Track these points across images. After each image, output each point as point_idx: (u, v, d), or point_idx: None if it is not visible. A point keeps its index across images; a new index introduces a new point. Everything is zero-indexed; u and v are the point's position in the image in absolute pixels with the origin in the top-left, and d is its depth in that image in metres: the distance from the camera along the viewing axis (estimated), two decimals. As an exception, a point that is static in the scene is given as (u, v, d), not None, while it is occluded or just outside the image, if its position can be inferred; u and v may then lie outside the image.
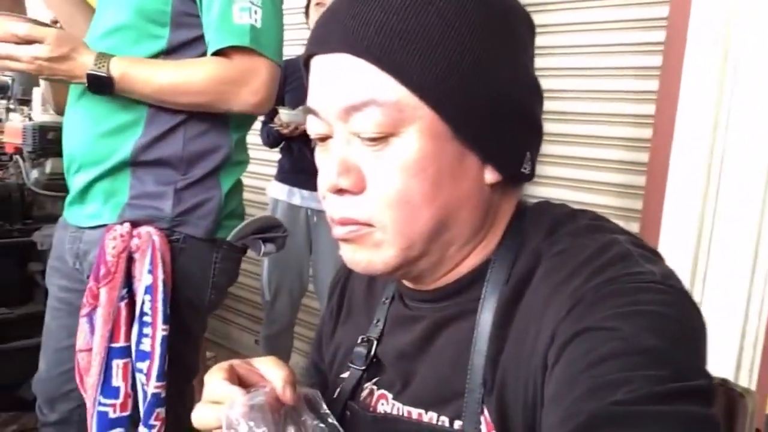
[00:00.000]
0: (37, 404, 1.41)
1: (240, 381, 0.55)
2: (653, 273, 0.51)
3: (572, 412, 0.45)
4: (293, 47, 2.52)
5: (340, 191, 0.56)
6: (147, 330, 1.18)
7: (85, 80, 1.17)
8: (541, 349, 0.52)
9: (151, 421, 1.17)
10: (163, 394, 1.18)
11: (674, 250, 1.72)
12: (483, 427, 0.55)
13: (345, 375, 0.71)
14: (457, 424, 0.57)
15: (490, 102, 0.54)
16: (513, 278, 0.57)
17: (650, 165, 1.89)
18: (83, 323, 1.21)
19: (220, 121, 1.30)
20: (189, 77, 1.20)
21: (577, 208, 0.63)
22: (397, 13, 0.53)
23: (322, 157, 0.59)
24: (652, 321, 0.47)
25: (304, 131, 2.00)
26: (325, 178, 0.57)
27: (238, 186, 1.38)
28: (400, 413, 0.62)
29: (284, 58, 2.18)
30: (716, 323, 1.65)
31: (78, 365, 1.24)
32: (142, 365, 1.18)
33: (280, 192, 2.46)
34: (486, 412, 0.55)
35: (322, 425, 0.54)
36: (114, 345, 1.18)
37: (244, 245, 1.41)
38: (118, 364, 1.19)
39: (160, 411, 1.18)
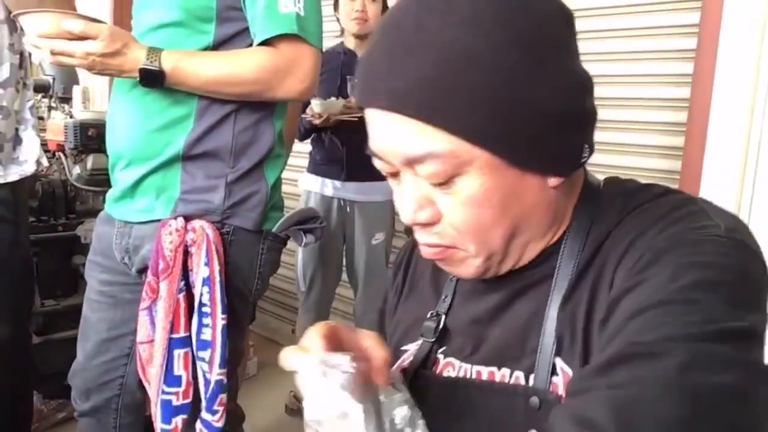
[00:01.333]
0: (72, 395, 1.45)
1: (341, 344, 0.59)
2: (718, 226, 0.55)
3: (606, 349, 0.51)
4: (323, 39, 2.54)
5: (419, 225, 0.62)
6: (207, 320, 1.22)
7: (135, 75, 1.20)
8: (600, 292, 0.57)
9: (215, 407, 1.22)
10: (225, 381, 1.22)
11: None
12: (559, 379, 0.59)
13: (407, 347, 0.75)
14: (531, 379, 0.61)
15: (538, 125, 0.57)
16: (588, 244, 0.62)
17: (689, 126, 1.89)
18: (143, 316, 1.25)
19: (265, 112, 1.33)
20: (238, 68, 1.23)
21: (646, 183, 0.67)
22: (435, 66, 0.55)
23: (395, 188, 0.64)
24: (705, 271, 0.52)
25: (336, 122, 2.03)
26: (403, 214, 0.62)
27: (279, 178, 1.41)
28: (469, 375, 0.66)
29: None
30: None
31: (140, 357, 1.28)
32: (204, 354, 1.22)
33: (312, 183, 2.48)
34: (563, 365, 0.59)
35: (405, 407, 0.57)
36: (174, 336, 1.23)
37: (286, 236, 1.44)
38: (179, 353, 1.23)
39: (223, 397, 1.23)
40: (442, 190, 0.59)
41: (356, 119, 2.26)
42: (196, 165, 1.30)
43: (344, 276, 2.64)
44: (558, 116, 0.58)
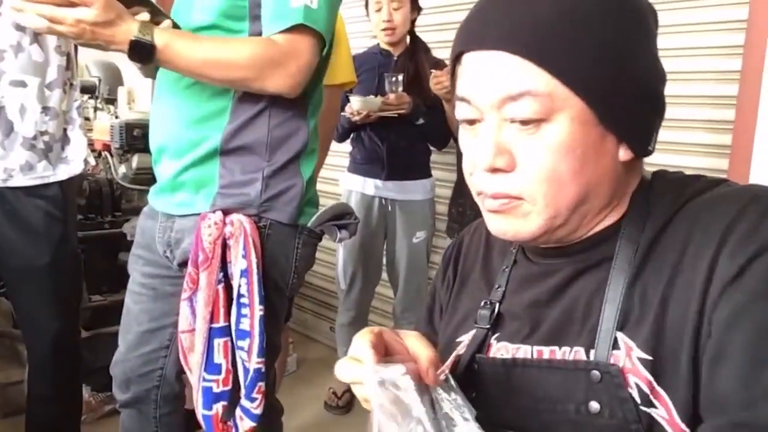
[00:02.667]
0: (113, 386, 1.48)
1: (386, 349, 0.60)
2: None
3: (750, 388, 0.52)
4: (358, 39, 2.56)
5: (494, 170, 0.63)
6: (245, 311, 1.24)
7: (125, 47, 1.16)
8: (712, 284, 0.56)
9: (254, 394, 1.24)
10: (263, 369, 1.24)
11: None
12: (622, 351, 0.60)
13: (461, 339, 0.77)
14: (591, 353, 0.62)
15: (629, 90, 0.61)
16: (650, 229, 0.63)
17: (734, 147, 1.85)
18: (184, 306, 1.28)
19: (300, 106, 1.33)
20: (231, 53, 1.21)
21: (693, 174, 0.68)
22: (547, 13, 0.59)
23: (467, 137, 0.66)
24: None
25: (376, 118, 2.03)
26: (480, 158, 0.63)
27: (314, 174, 1.42)
28: (529, 355, 0.68)
29: (353, 52, 2.24)
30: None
31: (182, 345, 1.31)
32: (243, 343, 1.25)
33: (353, 183, 2.49)
34: (626, 339, 0.60)
35: (459, 403, 0.57)
36: (214, 325, 1.25)
37: (321, 231, 1.46)
38: (219, 342, 1.26)
39: (261, 385, 1.25)
40: (528, 133, 0.61)
41: (396, 116, 2.27)
42: (233, 159, 1.32)
43: (384, 275, 2.65)
44: (646, 91, 0.62)
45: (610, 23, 0.59)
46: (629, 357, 0.59)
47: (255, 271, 1.24)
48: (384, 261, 2.60)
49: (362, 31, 2.75)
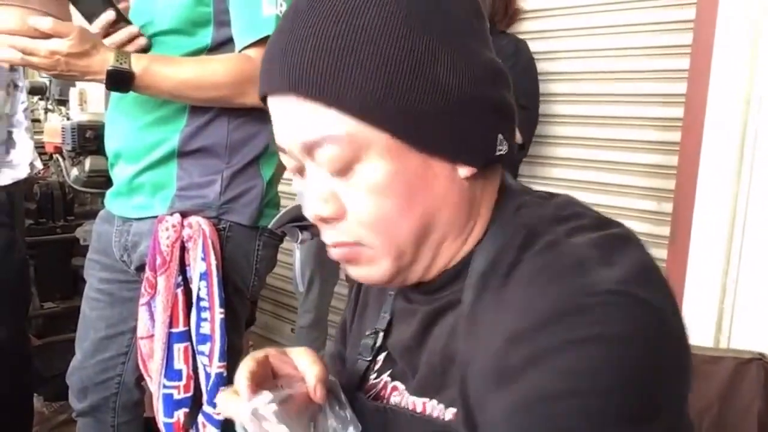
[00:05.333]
0: (69, 395, 1.45)
1: (273, 372, 0.57)
2: (609, 280, 0.48)
3: None
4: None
5: (324, 220, 0.58)
6: (205, 314, 1.22)
7: (101, 77, 1.15)
8: (482, 357, 0.51)
9: (216, 400, 1.22)
10: (225, 373, 1.23)
11: (708, 230, 1.73)
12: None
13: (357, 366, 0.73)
14: (449, 413, 0.57)
15: (437, 107, 0.53)
16: (486, 275, 0.56)
17: (682, 145, 1.90)
18: (142, 312, 1.26)
19: (260, 109, 1.33)
20: (208, 73, 1.21)
21: (564, 213, 0.58)
22: (326, 45, 0.52)
23: (301, 187, 0.60)
24: (595, 359, 0.45)
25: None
26: (306, 209, 0.58)
27: (275, 175, 1.41)
28: (407, 405, 0.62)
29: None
30: (752, 298, 1.66)
31: (141, 352, 1.29)
32: (204, 348, 1.23)
33: None
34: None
35: (342, 415, 0.56)
36: (174, 330, 1.24)
37: (282, 233, 1.45)
38: (179, 348, 1.24)
39: (223, 389, 1.23)
40: (344, 180, 0.55)
41: None
42: (191, 161, 1.30)
43: (342, 275, 2.64)
44: (462, 100, 0.54)
45: (397, 39, 0.52)
46: None
47: (215, 273, 1.23)
48: None
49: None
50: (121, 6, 1.27)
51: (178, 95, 1.23)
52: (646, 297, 0.47)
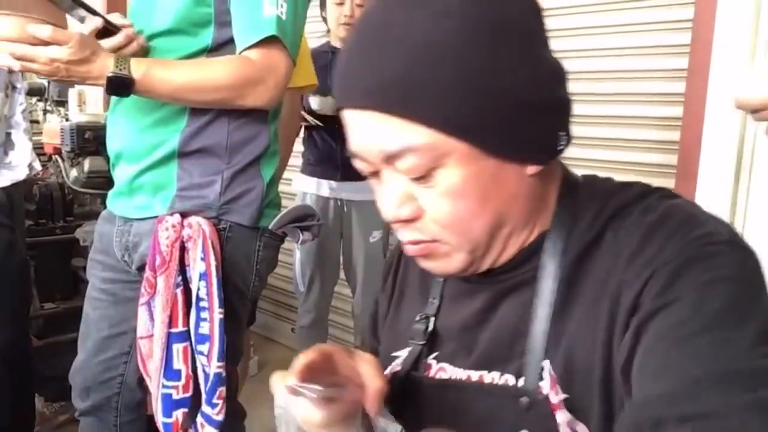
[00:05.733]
0: (72, 395, 1.46)
1: (335, 368, 0.59)
2: (720, 233, 0.55)
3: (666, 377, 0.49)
4: (312, 39, 2.55)
5: (401, 221, 0.62)
6: (204, 314, 1.23)
7: (101, 82, 1.17)
8: (617, 314, 0.56)
9: (214, 400, 1.23)
10: (224, 374, 1.23)
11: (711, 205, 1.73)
12: (546, 382, 0.59)
13: (399, 353, 0.75)
14: (521, 381, 0.61)
15: (510, 113, 0.57)
16: (573, 248, 0.61)
17: (681, 144, 1.91)
18: (142, 312, 1.26)
19: (260, 110, 1.33)
20: (208, 76, 1.22)
21: (624, 181, 0.66)
22: (404, 62, 0.55)
23: (377, 188, 0.65)
24: (731, 290, 0.51)
25: (327, 117, 1.99)
26: (385, 211, 0.62)
27: (275, 176, 1.42)
28: (461, 377, 0.67)
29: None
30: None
31: (140, 352, 1.29)
32: (203, 348, 1.23)
33: (308, 185, 2.48)
34: (549, 367, 0.60)
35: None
36: (173, 330, 1.24)
37: (283, 233, 1.45)
38: (178, 348, 1.24)
39: (222, 390, 1.24)
40: (423, 185, 0.59)
41: None
42: (191, 161, 1.31)
43: (341, 274, 2.65)
44: (529, 104, 0.58)
45: (470, 53, 0.55)
46: (554, 391, 0.59)
47: (214, 273, 1.23)
48: (341, 261, 2.60)
49: (313, 31, 2.75)
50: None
51: (178, 98, 1.24)
52: (750, 247, 0.56)
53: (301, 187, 2.51)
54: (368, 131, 0.59)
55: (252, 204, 1.33)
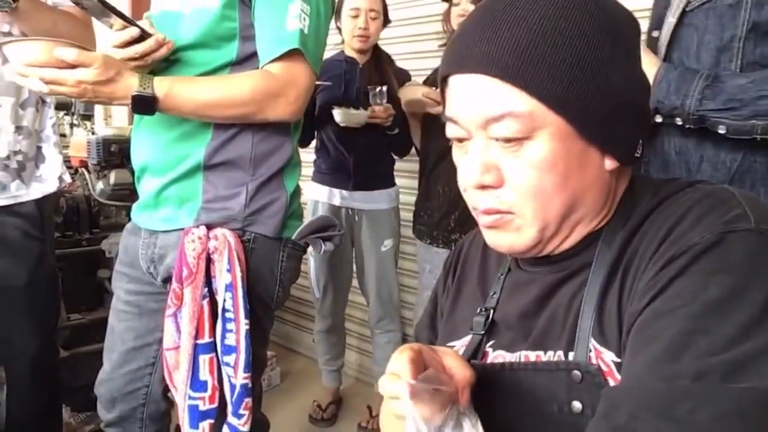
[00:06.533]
0: (98, 406, 1.47)
1: (424, 366, 0.61)
2: (748, 217, 0.58)
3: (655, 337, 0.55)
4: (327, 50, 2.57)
5: (483, 187, 0.66)
6: (230, 326, 1.23)
7: (127, 102, 1.19)
8: (637, 285, 0.60)
9: (241, 411, 1.24)
10: (250, 385, 1.24)
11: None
12: (593, 354, 0.63)
13: (455, 343, 0.80)
14: (571, 355, 0.65)
15: (607, 104, 0.63)
16: (623, 234, 0.66)
17: None
18: (169, 323, 1.27)
19: (283, 122, 1.34)
20: (231, 92, 1.23)
21: (676, 177, 0.72)
22: (525, 37, 0.61)
23: (459, 155, 0.70)
24: (732, 281, 0.54)
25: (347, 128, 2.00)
26: (469, 176, 0.66)
27: (298, 187, 1.43)
28: (519, 359, 0.70)
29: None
30: None
31: (166, 363, 1.30)
32: (229, 359, 1.24)
33: (319, 193, 2.49)
34: (596, 344, 0.63)
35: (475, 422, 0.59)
36: (199, 341, 1.25)
37: (306, 243, 1.46)
38: (204, 359, 1.25)
39: (248, 401, 1.24)
40: (512, 151, 0.64)
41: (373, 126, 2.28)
42: (216, 174, 1.32)
43: (354, 282, 2.65)
44: (625, 103, 0.64)
45: (584, 42, 0.61)
46: (603, 360, 0.62)
47: (240, 285, 1.24)
48: (354, 269, 2.61)
49: (329, 44, 2.77)
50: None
51: (202, 115, 1.26)
52: None
53: (312, 195, 2.53)
54: (476, 94, 0.64)
55: (276, 215, 1.34)
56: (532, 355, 0.69)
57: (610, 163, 0.66)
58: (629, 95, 0.65)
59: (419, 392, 0.55)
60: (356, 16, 2.32)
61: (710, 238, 0.57)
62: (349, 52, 2.42)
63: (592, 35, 0.62)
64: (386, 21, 2.40)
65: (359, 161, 2.39)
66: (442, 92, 0.71)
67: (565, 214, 0.66)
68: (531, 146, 0.63)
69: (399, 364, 0.59)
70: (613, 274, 0.64)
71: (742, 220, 0.57)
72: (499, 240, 0.70)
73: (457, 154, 0.70)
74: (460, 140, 0.68)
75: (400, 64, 2.54)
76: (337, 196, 2.45)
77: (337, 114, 2.25)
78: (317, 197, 2.50)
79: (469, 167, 0.66)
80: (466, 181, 0.67)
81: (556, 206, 0.65)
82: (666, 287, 0.57)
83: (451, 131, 0.69)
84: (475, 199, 0.68)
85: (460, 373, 0.61)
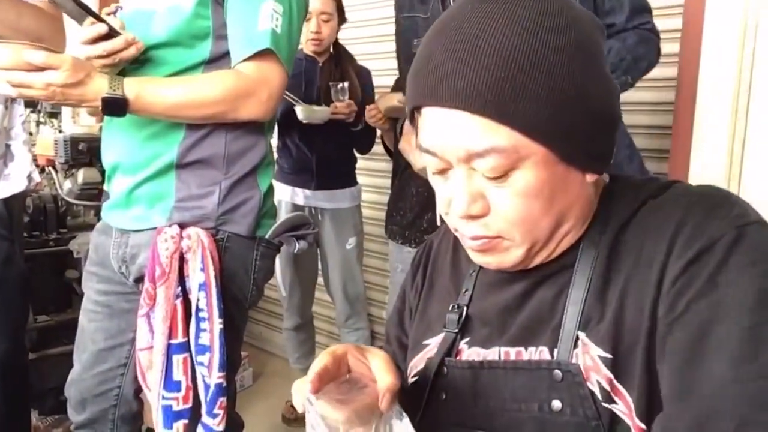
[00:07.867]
0: (68, 408, 1.45)
1: (348, 368, 0.63)
2: (750, 214, 0.60)
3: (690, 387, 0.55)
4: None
5: (471, 217, 0.65)
6: (204, 325, 1.23)
7: (97, 104, 1.18)
8: (663, 285, 0.60)
9: (215, 410, 1.23)
10: (224, 384, 1.23)
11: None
12: (579, 350, 0.64)
13: (429, 341, 0.80)
14: (554, 352, 0.65)
15: (587, 123, 0.62)
16: (611, 229, 0.67)
17: (677, 104, 1.92)
18: (142, 323, 1.26)
19: (256, 121, 1.34)
20: (202, 92, 1.23)
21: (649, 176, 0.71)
22: (502, 67, 0.58)
23: (440, 183, 0.68)
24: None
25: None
26: (456, 207, 0.65)
27: (271, 186, 1.43)
28: (497, 357, 0.71)
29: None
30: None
31: (140, 363, 1.28)
32: (203, 358, 1.23)
33: (282, 193, 2.48)
34: (585, 339, 0.64)
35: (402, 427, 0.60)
36: (173, 341, 1.24)
37: (279, 242, 1.46)
38: (178, 359, 1.24)
39: (223, 400, 1.24)
40: (497, 183, 0.63)
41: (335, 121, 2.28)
42: (189, 173, 1.31)
43: (320, 280, 2.67)
44: (603, 116, 0.63)
45: (562, 66, 0.59)
46: (589, 355, 0.63)
47: (213, 284, 1.23)
48: (320, 267, 2.62)
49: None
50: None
51: (173, 116, 1.25)
52: None
53: (275, 195, 2.52)
54: (455, 130, 0.61)
55: (249, 214, 1.34)
56: (513, 352, 0.69)
57: (590, 177, 0.66)
58: (605, 107, 0.63)
59: (324, 402, 0.56)
60: (308, 20, 2.31)
61: (732, 231, 0.58)
62: (308, 50, 2.43)
63: (569, 57, 0.59)
64: (342, 20, 2.41)
65: (321, 161, 2.41)
66: (414, 120, 0.68)
67: (553, 230, 0.66)
68: (516, 176, 0.62)
69: (311, 369, 0.60)
70: (607, 271, 0.65)
71: (746, 215, 0.59)
72: (487, 260, 0.69)
73: (437, 181, 0.68)
74: (441, 171, 0.66)
75: (364, 64, 2.55)
76: (300, 196, 2.46)
77: (300, 111, 2.25)
78: (280, 197, 2.49)
79: (455, 198, 0.65)
80: (453, 211, 0.65)
81: (544, 227, 0.65)
82: (710, 285, 0.57)
83: (430, 163, 0.66)
84: (459, 226, 0.68)
85: (384, 379, 0.60)
